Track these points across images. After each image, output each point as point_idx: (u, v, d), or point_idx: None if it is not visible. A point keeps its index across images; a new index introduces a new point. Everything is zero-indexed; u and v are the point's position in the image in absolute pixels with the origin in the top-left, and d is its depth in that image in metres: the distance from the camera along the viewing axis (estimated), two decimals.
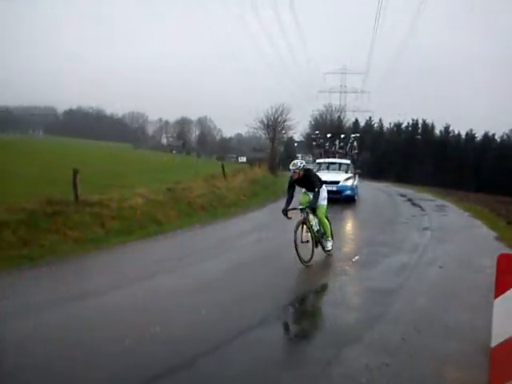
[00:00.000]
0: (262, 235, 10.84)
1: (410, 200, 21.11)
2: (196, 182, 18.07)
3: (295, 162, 8.08)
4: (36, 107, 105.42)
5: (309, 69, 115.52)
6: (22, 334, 4.62)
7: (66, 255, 8.05)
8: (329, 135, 38.70)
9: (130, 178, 17.28)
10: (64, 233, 9.07)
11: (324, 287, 6.69)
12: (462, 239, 10.81)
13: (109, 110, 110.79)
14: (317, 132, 47.36)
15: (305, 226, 7.75)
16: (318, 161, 20.02)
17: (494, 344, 2.47)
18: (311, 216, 7.87)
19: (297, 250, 7.37)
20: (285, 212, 7.73)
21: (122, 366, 4.08)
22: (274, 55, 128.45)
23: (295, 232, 7.49)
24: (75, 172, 10.41)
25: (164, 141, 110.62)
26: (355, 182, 18.77)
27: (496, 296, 2.44)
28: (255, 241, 10.16)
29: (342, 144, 55.41)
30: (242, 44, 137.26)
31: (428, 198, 22.56)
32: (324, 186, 8.18)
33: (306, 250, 7.60)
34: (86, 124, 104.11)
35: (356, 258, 8.51)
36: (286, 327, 5.16)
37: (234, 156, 77.71)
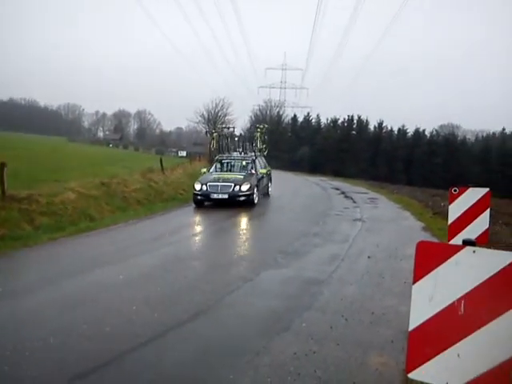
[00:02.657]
0: (197, 230, 10.82)
1: (343, 193, 21.72)
2: (132, 176, 17.70)
3: None
4: None
5: (251, 64, 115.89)
6: None
7: None
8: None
9: (63, 173, 16.62)
10: None
11: (256, 278, 6.74)
12: (390, 230, 11.28)
13: (43, 102, 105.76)
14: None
15: None
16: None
17: (411, 328, 2.58)
18: None
19: None
20: None
21: (48, 364, 3.96)
22: (216, 50, 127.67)
23: None
24: (2, 166, 9.91)
25: (101, 134, 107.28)
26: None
27: (414, 282, 2.55)
28: (190, 235, 10.12)
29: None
30: (184, 38, 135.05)
31: (361, 191, 23.31)
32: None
33: None
34: (17, 116, 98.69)
35: (289, 249, 8.66)
36: (218, 321, 5.16)
37: (174, 150, 76.72)
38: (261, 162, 17.58)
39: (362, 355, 4.23)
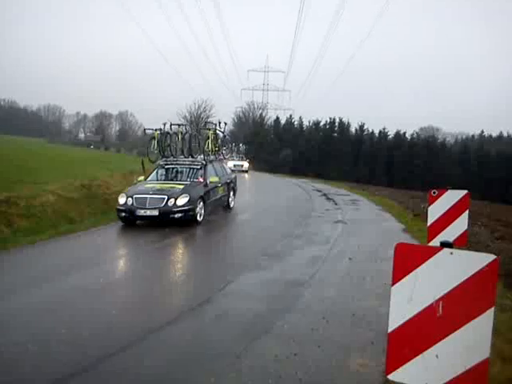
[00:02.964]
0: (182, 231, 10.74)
1: (325, 195, 21.82)
2: (113, 178, 17.53)
3: None
4: None
5: (233, 66, 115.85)
6: None
7: None
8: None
9: (43, 175, 16.36)
10: None
11: (237, 281, 6.72)
12: (371, 231, 11.37)
13: (23, 103, 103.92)
14: None
15: None
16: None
17: (390, 329, 2.60)
18: None
19: None
20: None
21: (26, 370, 3.89)
22: (199, 52, 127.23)
23: None
24: None
25: (82, 135, 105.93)
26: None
27: (393, 283, 2.57)
28: (176, 236, 10.04)
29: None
30: (166, 40, 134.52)
31: (342, 193, 23.48)
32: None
33: None
34: None
35: (270, 250, 8.66)
36: (199, 323, 5.13)
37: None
38: (217, 167, 13.89)
39: (343, 357, 4.25)
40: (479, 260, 2.38)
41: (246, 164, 42.20)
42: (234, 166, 36.82)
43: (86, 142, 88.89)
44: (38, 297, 5.75)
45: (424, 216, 9.50)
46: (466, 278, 2.39)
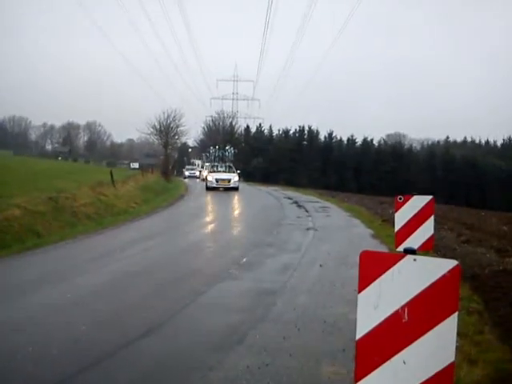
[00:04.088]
0: (148, 244, 10.61)
1: (295, 202, 21.99)
2: (81, 189, 17.20)
3: None
4: None
5: (202, 75, 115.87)
6: None
7: None
8: None
9: (8, 188, 15.93)
10: None
11: (208, 292, 6.68)
12: (341, 238, 11.50)
13: None
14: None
15: None
16: None
17: (358, 336, 2.63)
18: None
19: None
20: None
21: None
22: (168, 61, 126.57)
23: None
24: None
25: (49, 147, 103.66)
26: None
27: (359, 291, 2.61)
28: (141, 250, 9.89)
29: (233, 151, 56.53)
30: (133, 49, 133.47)
31: (313, 200, 23.68)
32: None
33: None
34: None
35: (242, 260, 8.66)
36: (171, 337, 5.07)
37: (126, 162, 75.32)
38: None
39: (315, 365, 4.26)
40: (442, 266, 2.43)
41: (234, 177, 28.42)
42: (217, 181, 27.56)
43: (54, 154, 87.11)
44: (4, 313, 5.57)
45: (392, 221, 9.69)
46: (429, 283, 2.44)
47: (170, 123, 44.32)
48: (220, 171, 30.37)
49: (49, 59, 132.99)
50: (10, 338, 4.84)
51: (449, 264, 2.43)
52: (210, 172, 29.98)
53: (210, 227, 13.41)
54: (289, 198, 24.59)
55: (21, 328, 5.13)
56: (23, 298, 6.23)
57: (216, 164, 34.21)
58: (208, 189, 27.79)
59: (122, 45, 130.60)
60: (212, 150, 56.52)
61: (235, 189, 27.22)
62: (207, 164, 30.70)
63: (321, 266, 8.17)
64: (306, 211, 17.83)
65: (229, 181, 27.70)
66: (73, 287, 6.81)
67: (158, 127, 43.98)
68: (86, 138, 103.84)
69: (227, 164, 34.35)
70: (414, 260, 2.48)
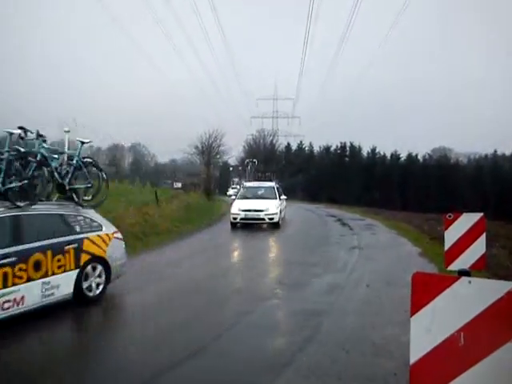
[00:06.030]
0: (193, 262, 10.71)
1: (339, 220, 21.72)
2: (128, 210, 17.64)
3: None
4: None
5: (242, 94, 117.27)
6: None
7: None
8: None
9: None
10: None
11: (254, 312, 6.66)
12: (388, 257, 11.24)
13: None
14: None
15: None
16: None
17: (411, 361, 2.56)
18: None
19: None
20: None
21: None
22: (208, 82, 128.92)
23: None
24: None
25: None
26: None
27: (412, 314, 2.54)
28: (186, 270, 9.98)
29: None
30: (174, 71, 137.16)
31: (357, 218, 23.33)
32: None
33: None
34: None
35: (287, 279, 8.61)
36: (222, 354, 5.07)
37: (169, 182, 76.76)
38: None
39: None
40: (498, 288, 2.34)
41: (272, 206, 17.74)
42: (244, 212, 17.44)
43: None
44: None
45: (441, 239, 9.41)
46: (486, 306, 2.35)
47: (211, 143, 45.06)
48: (252, 197, 19.00)
49: (91, 82, 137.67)
50: None
51: (506, 286, 2.34)
52: (238, 198, 19.11)
53: (252, 244, 13.43)
54: (332, 216, 24.34)
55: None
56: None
57: (249, 186, 21.49)
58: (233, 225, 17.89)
59: (167, 69, 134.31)
60: (250, 165, 48.74)
61: (276, 223, 17.64)
62: (243, 183, 22.46)
63: (367, 285, 8.01)
64: (351, 229, 17.57)
65: (265, 212, 17.44)
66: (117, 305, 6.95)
67: (200, 147, 44.79)
68: (130, 159, 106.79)
69: (268, 186, 20.79)
70: (469, 282, 2.40)
